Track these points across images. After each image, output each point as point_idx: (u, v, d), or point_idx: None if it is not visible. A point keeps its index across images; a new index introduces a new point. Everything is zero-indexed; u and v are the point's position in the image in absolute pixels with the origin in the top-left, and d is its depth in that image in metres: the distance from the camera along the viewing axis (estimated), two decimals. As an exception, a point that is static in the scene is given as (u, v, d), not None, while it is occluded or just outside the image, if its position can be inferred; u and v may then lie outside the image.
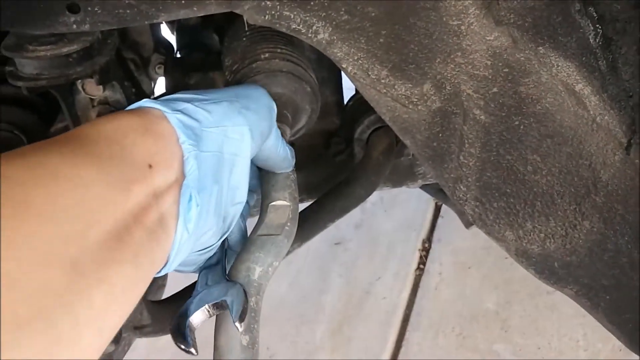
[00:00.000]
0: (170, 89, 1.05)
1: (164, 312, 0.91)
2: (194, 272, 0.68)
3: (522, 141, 0.73)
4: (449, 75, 0.70)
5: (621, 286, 0.83)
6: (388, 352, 1.94)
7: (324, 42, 0.66)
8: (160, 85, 1.31)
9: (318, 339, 2.04)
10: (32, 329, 0.34)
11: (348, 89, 1.13)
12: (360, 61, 0.68)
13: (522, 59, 0.67)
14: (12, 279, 0.34)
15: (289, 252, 0.70)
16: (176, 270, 0.58)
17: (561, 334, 1.81)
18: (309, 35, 0.66)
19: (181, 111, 0.57)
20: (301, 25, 0.65)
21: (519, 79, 0.68)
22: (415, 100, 0.71)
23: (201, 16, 0.82)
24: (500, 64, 0.68)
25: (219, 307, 0.60)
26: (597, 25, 0.66)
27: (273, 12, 0.63)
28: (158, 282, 0.93)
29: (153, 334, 0.92)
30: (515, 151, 0.74)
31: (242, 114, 0.63)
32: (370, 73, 0.69)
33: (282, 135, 0.74)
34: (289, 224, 0.67)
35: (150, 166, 0.50)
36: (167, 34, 1.43)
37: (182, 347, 0.57)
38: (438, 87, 0.71)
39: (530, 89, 0.69)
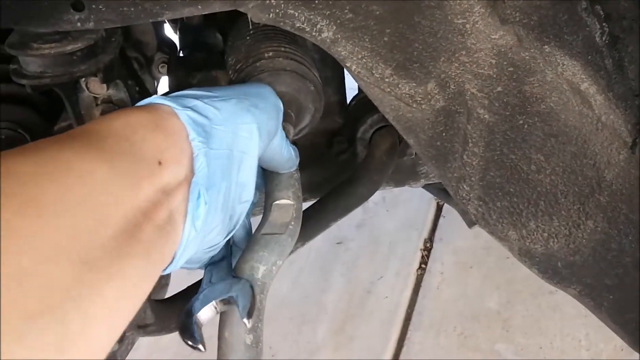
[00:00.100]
0: (174, 88, 1.05)
1: (167, 311, 0.91)
2: (199, 268, 0.68)
3: (526, 140, 0.73)
4: (453, 74, 0.70)
5: (624, 286, 0.83)
6: (390, 351, 1.94)
7: (328, 40, 0.66)
8: (163, 85, 1.31)
9: (320, 338, 2.04)
10: (41, 323, 0.34)
11: (351, 89, 1.14)
12: (364, 60, 0.68)
13: (527, 57, 0.67)
14: (22, 274, 0.34)
15: (292, 251, 0.70)
16: (181, 267, 0.58)
17: (563, 333, 1.81)
18: (313, 33, 0.65)
19: (191, 108, 0.56)
20: (305, 24, 0.64)
21: (523, 77, 0.68)
22: (419, 99, 0.71)
23: (204, 15, 0.82)
24: (505, 63, 0.68)
25: (227, 303, 0.60)
26: (604, 24, 0.66)
27: (277, 11, 0.63)
28: (161, 281, 0.93)
29: (156, 333, 0.92)
30: (519, 150, 0.74)
31: (251, 112, 0.62)
32: (374, 72, 0.69)
33: (286, 134, 0.74)
34: (292, 222, 0.67)
35: (160, 163, 0.50)
36: (171, 33, 1.43)
37: (190, 343, 0.57)
38: (442, 86, 0.70)
39: (534, 88, 0.69)
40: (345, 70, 0.79)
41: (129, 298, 0.44)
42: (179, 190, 0.52)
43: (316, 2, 0.63)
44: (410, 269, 2.19)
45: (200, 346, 0.57)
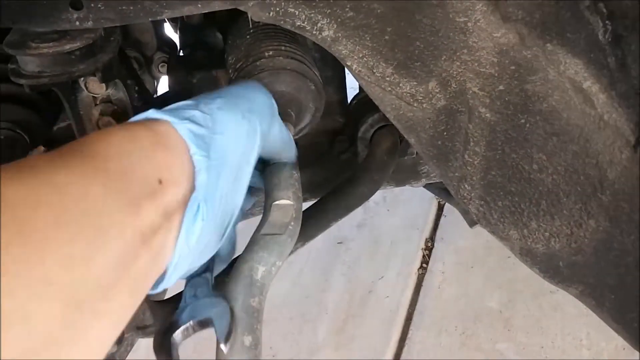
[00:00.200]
0: (173, 88, 1.04)
1: (167, 312, 0.90)
2: (181, 278, 0.65)
3: (528, 139, 0.73)
4: (454, 72, 0.69)
5: (626, 285, 0.83)
6: (391, 351, 1.93)
7: (328, 39, 0.66)
8: (163, 84, 1.30)
9: (321, 338, 2.03)
10: None
11: (352, 88, 1.13)
12: (365, 59, 0.68)
13: (529, 56, 0.67)
14: (5, 316, 0.32)
15: (292, 252, 0.70)
16: None
17: (565, 333, 1.81)
18: (314, 32, 0.65)
19: (189, 119, 0.55)
20: (306, 22, 0.64)
21: (525, 76, 0.68)
22: (420, 98, 0.71)
23: (204, 14, 0.81)
24: (506, 62, 0.67)
25: (203, 324, 0.58)
26: (607, 22, 0.65)
27: (278, 9, 0.63)
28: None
29: (156, 334, 0.91)
30: (520, 149, 0.73)
31: (247, 118, 0.61)
32: (375, 71, 0.68)
33: None
34: (292, 223, 0.67)
35: (160, 181, 0.48)
36: (171, 32, 1.42)
37: None
38: (443, 85, 0.70)
39: (537, 87, 0.69)
40: (346, 69, 0.79)
41: (110, 337, 0.42)
42: (179, 211, 0.50)
43: (317, 0, 0.62)
44: (412, 268, 2.19)
45: None
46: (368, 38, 0.66)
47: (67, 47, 0.68)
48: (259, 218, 0.70)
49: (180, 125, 0.53)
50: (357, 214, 2.26)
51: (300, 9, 0.63)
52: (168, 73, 1.09)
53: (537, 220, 0.78)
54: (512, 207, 0.78)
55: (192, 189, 0.53)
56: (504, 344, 1.84)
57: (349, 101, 1.17)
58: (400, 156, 1.13)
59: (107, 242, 0.40)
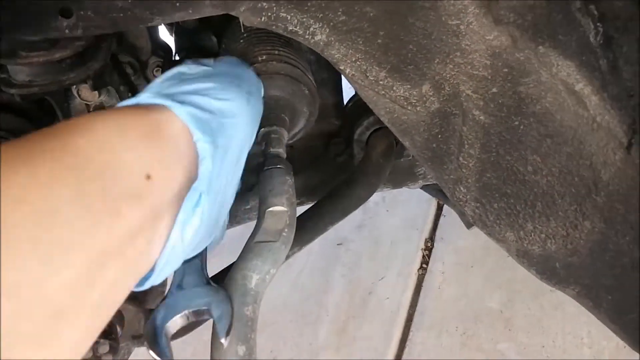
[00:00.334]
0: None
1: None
2: None
3: (522, 141, 0.72)
4: (448, 75, 0.69)
5: (623, 286, 0.82)
6: (392, 351, 1.93)
7: (321, 43, 0.65)
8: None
9: (321, 340, 2.03)
10: None
11: (347, 90, 1.13)
12: (358, 62, 0.67)
13: (522, 58, 0.66)
14: None
15: (288, 257, 0.69)
16: None
17: (565, 332, 1.80)
18: (306, 37, 0.65)
19: (190, 103, 0.49)
20: (298, 27, 0.64)
21: (518, 78, 0.68)
22: (414, 101, 0.71)
23: (199, 18, 0.81)
24: (499, 64, 0.67)
25: (201, 314, 0.55)
26: (598, 24, 0.65)
27: (269, 14, 0.62)
28: (158, 289, 0.93)
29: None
30: (515, 152, 0.73)
31: (251, 103, 0.57)
32: (368, 74, 0.68)
33: (280, 138, 0.73)
34: (286, 230, 0.66)
35: (148, 177, 0.43)
36: (166, 36, 1.42)
37: (155, 356, 0.51)
38: (437, 88, 0.70)
39: (530, 89, 0.68)
40: (340, 72, 0.79)
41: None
42: (172, 207, 0.45)
43: (309, 4, 0.62)
44: (411, 269, 2.19)
45: None
46: (361, 42, 0.65)
47: (57, 55, 0.68)
48: (253, 224, 0.70)
49: (180, 109, 0.48)
50: (357, 215, 2.25)
51: (292, 14, 0.63)
52: (163, 77, 1.09)
53: (533, 221, 0.78)
54: (507, 209, 0.78)
55: (192, 179, 0.48)
56: (504, 344, 1.84)
57: (344, 103, 1.16)
58: (397, 158, 1.13)
59: (65, 263, 0.35)
